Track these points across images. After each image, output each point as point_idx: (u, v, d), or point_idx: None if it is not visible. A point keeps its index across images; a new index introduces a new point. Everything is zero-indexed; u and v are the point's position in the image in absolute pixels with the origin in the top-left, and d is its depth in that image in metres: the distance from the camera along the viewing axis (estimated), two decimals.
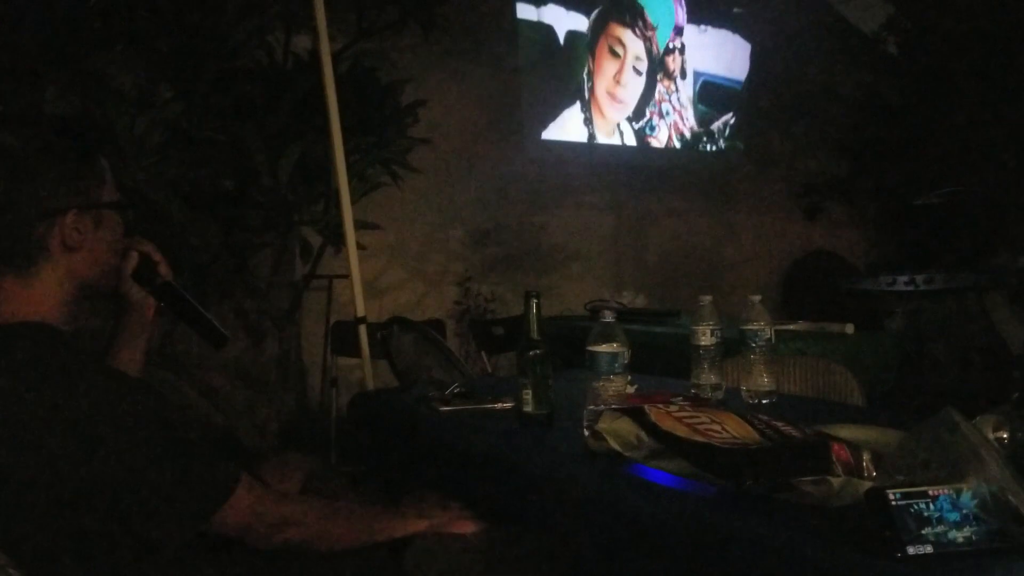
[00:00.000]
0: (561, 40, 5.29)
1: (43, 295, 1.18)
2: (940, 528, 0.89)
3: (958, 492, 0.91)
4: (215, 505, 1.15)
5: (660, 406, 1.32)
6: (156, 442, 1.12)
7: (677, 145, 5.84)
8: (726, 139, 6.06)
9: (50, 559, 1.08)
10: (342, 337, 3.55)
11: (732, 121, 6.07)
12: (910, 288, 5.01)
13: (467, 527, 1.38)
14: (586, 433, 1.42)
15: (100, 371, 1.18)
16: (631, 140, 5.62)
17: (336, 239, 3.30)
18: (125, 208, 1.30)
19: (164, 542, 1.15)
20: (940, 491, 0.91)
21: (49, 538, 1.08)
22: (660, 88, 5.72)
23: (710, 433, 1.21)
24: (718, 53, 6.04)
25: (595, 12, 5.41)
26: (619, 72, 5.52)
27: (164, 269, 1.41)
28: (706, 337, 1.73)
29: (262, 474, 1.66)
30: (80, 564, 1.09)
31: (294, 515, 1.26)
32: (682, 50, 5.85)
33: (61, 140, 1.21)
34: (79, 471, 1.06)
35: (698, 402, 1.57)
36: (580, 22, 5.37)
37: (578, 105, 5.37)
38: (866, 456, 1.12)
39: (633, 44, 5.57)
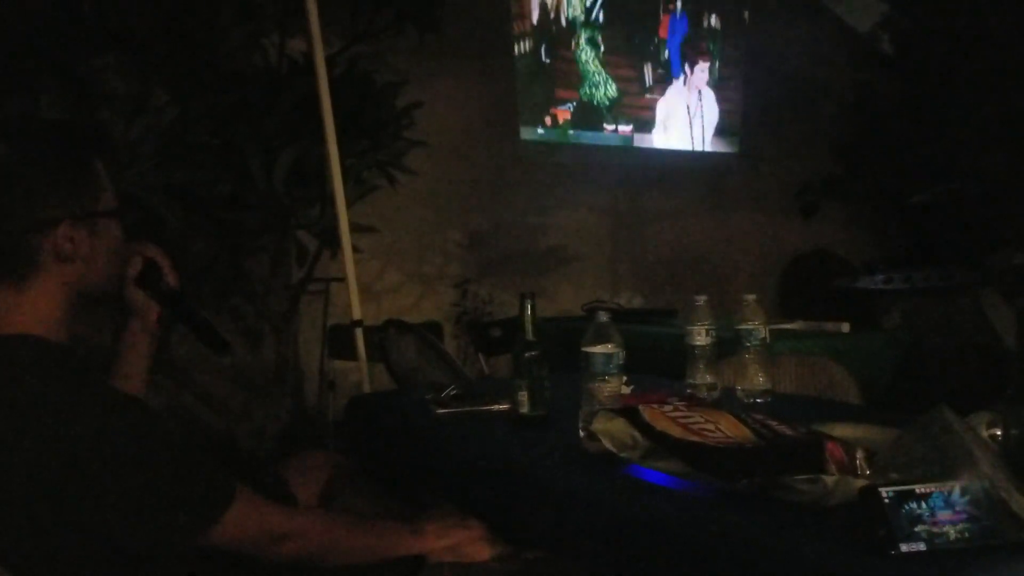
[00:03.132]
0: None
1: (35, 306, 1.15)
2: (933, 526, 0.89)
3: (951, 490, 0.92)
4: (208, 521, 1.14)
5: (655, 406, 1.32)
6: (146, 459, 1.11)
7: (678, 145, 5.85)
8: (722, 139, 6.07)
9: (41, 570, 1.07)
10: (339, 340, 3.55)
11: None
12: (906, 286, 5.02)
13: (484, 550, 1.33)
14: (582, 434, 1.42)
15: (89, 385, 1.15)
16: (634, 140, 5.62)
17: (332, 242, 3.29)
18: (121, 215, 1.27)
19: (155, 557, 1.14)
20: (933, 489, 0.92)
21: (39, 551, 1.07)
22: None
23: (704, 433, 1.21)
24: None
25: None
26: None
27: (170, 275, 1.39)
28: (701, 337, 1.73)
29: (286, 473, 1.66)
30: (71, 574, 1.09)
31: (296, 529, 1.23)
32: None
33: (55, 148, 1.18)
34: (67, 486, 1.05)
35: (693, 402, 1.57)
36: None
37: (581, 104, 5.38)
38: (860, 454, 1.12)
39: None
